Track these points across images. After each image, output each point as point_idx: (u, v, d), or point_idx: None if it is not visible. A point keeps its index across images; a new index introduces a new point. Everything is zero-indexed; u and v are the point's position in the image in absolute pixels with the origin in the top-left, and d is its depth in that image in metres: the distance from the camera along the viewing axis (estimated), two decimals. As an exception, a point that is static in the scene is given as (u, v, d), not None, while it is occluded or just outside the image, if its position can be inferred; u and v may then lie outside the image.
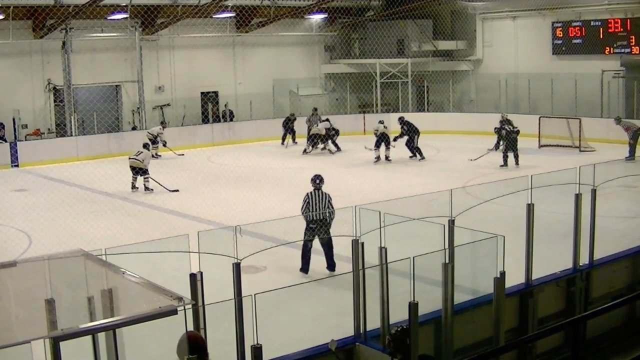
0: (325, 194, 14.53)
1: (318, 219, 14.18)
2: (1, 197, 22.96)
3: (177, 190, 23.85)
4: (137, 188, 24.00)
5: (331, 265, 14.28)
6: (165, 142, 30.57)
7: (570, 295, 11.18)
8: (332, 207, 14.26)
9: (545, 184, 11.02)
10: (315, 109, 35.24)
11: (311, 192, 14.54)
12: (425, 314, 9.21)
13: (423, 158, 28.54)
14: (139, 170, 24.10)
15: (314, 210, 14.27)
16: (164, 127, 31.42)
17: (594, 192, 11.29)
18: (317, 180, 14.73)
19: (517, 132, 26.83)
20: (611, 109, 33.37)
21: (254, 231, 10.96)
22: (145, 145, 25.30)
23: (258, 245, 8.72)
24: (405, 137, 28.69)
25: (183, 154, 28.99)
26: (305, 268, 14.38)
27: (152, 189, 23.89)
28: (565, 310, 11.13)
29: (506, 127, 27.12)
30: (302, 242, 14.22)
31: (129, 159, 24.24)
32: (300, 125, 33.23)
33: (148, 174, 24.09)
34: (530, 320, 10.41)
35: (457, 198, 9.65)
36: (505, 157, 26.47)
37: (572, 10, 35.49)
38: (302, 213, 14.33)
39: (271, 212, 19.27)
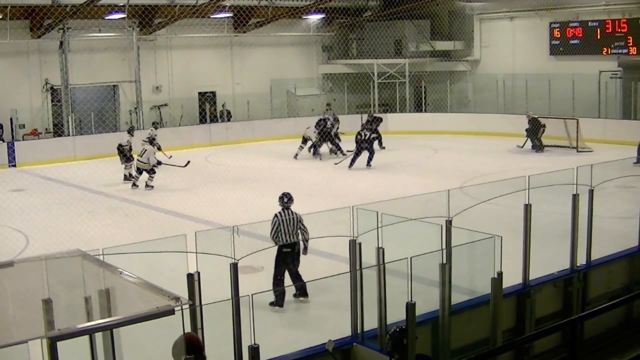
0: (295, 214, 12.89)
1: (291, 243, 12.70)
2: (-2, 197, 22.96)
3: (189, 162, 24.88)
4: (137, 186, 24.02)
5: (303, 290, 12.77)
6: (160, 146, 27.46)
7: (568, 295, 11.19)
8: (305, 227, 12.81)
9: (543, 185, 11.03)
10: (329, 104, 35.39)
11: (280, 213, 12.93)
12: (423, 314, 9.22)
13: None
14: (145, 171, 24.05)
15: (286, 233, 12.74)
16: (156, 128, 29.08)
17: (591, 192, 11.29)
18: (285, 199, 13.10)
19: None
20: (608, 109, 33.41)
21: (252, 231, 10.99)
22: (150, 141, 25.04)
23: (255, 246, 8.73)
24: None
25: (189, 162, 27.38)
26: (280, 302, 12.46)
27: (152, 186, 23.89)
28: (562, 310, 11.14)
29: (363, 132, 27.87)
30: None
31: (137, 160, 24.22)
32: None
33: (154, 172, 24.03)
34: (528, 320, 10.41)
35: (454, 198, 9.66)
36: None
37: (569, 11, 35.52)
38: (272, 237, 12.77)
39: (269, 212, 19.23)
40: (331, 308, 11.91)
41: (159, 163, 24.27)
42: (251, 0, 36.00)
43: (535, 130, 30.12)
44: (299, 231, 12.80)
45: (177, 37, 36.05)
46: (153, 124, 30.72)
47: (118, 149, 26.10)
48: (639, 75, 32.04)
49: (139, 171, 24.12)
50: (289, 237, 12.68)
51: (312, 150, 30.05)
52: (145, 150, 24.10)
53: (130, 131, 27.09)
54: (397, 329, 7.61)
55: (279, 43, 39.65)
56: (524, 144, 30.45)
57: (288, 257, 12.68)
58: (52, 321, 5.76)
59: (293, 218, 12.81)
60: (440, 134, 34.48)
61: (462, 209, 9.70)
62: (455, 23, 40.58)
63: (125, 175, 25.79)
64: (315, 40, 41.46)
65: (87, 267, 6.82)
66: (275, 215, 12.89)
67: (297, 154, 29.78)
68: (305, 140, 30.02)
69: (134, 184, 24.07)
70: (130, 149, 26.25)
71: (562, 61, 35.72)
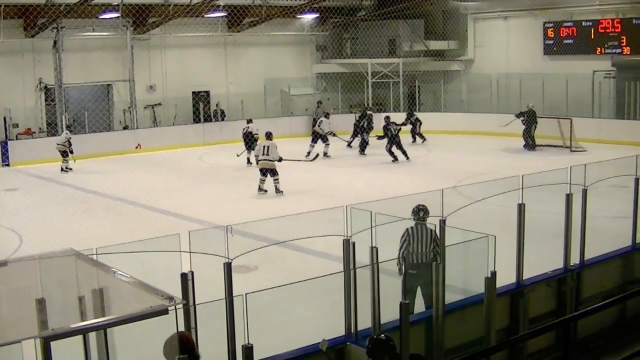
0: (431, 230, 10.89)
1: (420, 263, 10.78)
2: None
3: (317, 156, 24.79)
4: (265, 191, 22.65)
5: None
6: (72, 151, 28.22)
7: (561, 295, 11.20)
8: (439, 247, 10.36)
9: (537, 184, 11.02)
10: (320, 102, 35.55)
11: (412, 228, 10.99)
12: (417, 313, 9.22)
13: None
14: (268, 171, 22.50)
15: (415, 251, 10.85)
16: (71, 131, 29.40)
17: (584, 192, 11.30)
18: (422, 213, 11.04)
19: (399, 129, 28.88)
20: (602, 109, 33.46)
21: (245, 231, 11.00)
22: (268, 135, 23.46)
23: (249, 245, 8.72)
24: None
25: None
26: None
27: (282, 191, 22.44)
28: (556, 310, 11.15)
29: (392, 127, 28.57)
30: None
31: (259, 161, 22.67)
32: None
33: (277, 174, 22.48)
34: (521, 320, 10.42)
35: (448, 198, 9.65)
36: (392, 153, 28.23)
37: (563, 11, 35.57)
38: (400, 256, 10.85)
39: (262, 211, 19.27)
40: (325, 307, 11.89)
41: (280, 160, 22.76)
42: (245, -1, 36.03)
43: (529, 124, 30.21)
44: (433, 251, 10.74)
45: (171, 36, 36.02)
46: (248, 121, 30.34)
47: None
48: (633, 75, 32.09)
49: (263, 172, 22.66)
50: (421, 257, 10.82)
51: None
52: (268, 146, 22.65)
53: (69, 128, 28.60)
54: (374, 338, 7.53)
55: (272, 42, 39.63)
56: (509, 122, 30.50)
57: (417, 280, 10.53)
58: (46, 321, 5.74)
59: (427, 235, 10.92)
60: (434, 134, 34.49)
61: (456, 208, 9.70)
62: (449, 22, 40.62)
63: (63, 168, 27.56)
64: (309, 40, 41.45)
65: (80, 267, 6.81)
66: (406, 230, 10.96)
67: (325, 152, 29.92)
68: (320, 137, 29.99)
69: (260, 189, 22.68)
70: (70, 144, 27.53)
71: (556, 61, 35.77)
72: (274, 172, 22.43)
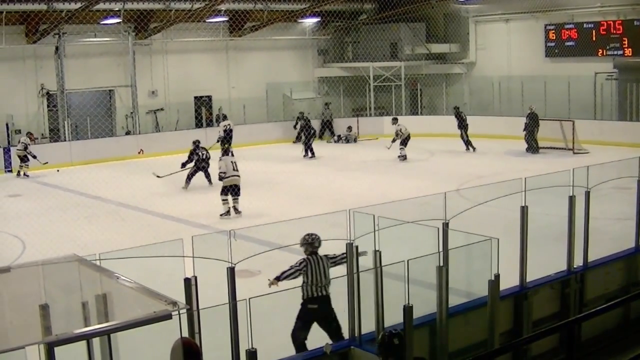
0: (324, 258, 10.29)
1: (320, 296, 10.13)
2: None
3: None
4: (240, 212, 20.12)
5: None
6: (35, 156, 28.57)
7: (565, 297, 11.17)
8: (337, 260, 10.24)
9: (539, 186, 11.01)
10: (328, 103, 36.04)
11: (307, 259, 10.27)
12: (420, 317, 9.21)
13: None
14: (237, 188, 20.19)
15: (314, 284, 10.10)
16: (32, 139, 29.88)
17: (587, 194, 11.28)
18: (316, 243, 10.28)
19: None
20: (604, 111, 33.45)
21: (248, 235, 11.01)
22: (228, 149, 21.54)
23: (252, 250, 8.71)
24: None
25: (58, 170, 28.90)
26: None
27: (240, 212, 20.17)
28: (559, 312, 11.13)
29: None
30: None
31: (230, 177, 20.08)
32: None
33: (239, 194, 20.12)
34: (525, 322, 10.40)
35: (451, 201, 9.64)
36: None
37: (564, 13, 35.54)
38: (303, 288, 10.16)
39: (265, 216, 19.26)
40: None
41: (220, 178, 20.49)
42: (247, 4, 36.02)
43: (532, 127, 30.19)
44: (329, 282, 10.15)
45: (172, 41, 36.04)
46: (225, 117, 31.14)
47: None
48: (635, 77, 32.06)
49: (234, 190, 20.07)
50: (320, 290, 10.14)
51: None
52: (236, 161, 20.71)
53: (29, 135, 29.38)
54: (386, 334, 7.51)
55: (274, 47, 39.65)
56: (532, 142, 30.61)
57: (315, 314, 10.15)
58: (50, 327, 5.75)
59: (323, 265, 10.19)
60: (436, 137, 34.48)
61: (459, 211, 9.69)
62: (451, 25, 40.61)
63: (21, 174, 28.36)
64: (311, 44, 41.49)
65: (84, 272, 6.81)
66: (302, 262, 10.27)
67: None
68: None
69: (237, 210, 20.16)
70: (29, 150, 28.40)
71: (558, 63, 35.74)
72: (239, 189, 20.25)
